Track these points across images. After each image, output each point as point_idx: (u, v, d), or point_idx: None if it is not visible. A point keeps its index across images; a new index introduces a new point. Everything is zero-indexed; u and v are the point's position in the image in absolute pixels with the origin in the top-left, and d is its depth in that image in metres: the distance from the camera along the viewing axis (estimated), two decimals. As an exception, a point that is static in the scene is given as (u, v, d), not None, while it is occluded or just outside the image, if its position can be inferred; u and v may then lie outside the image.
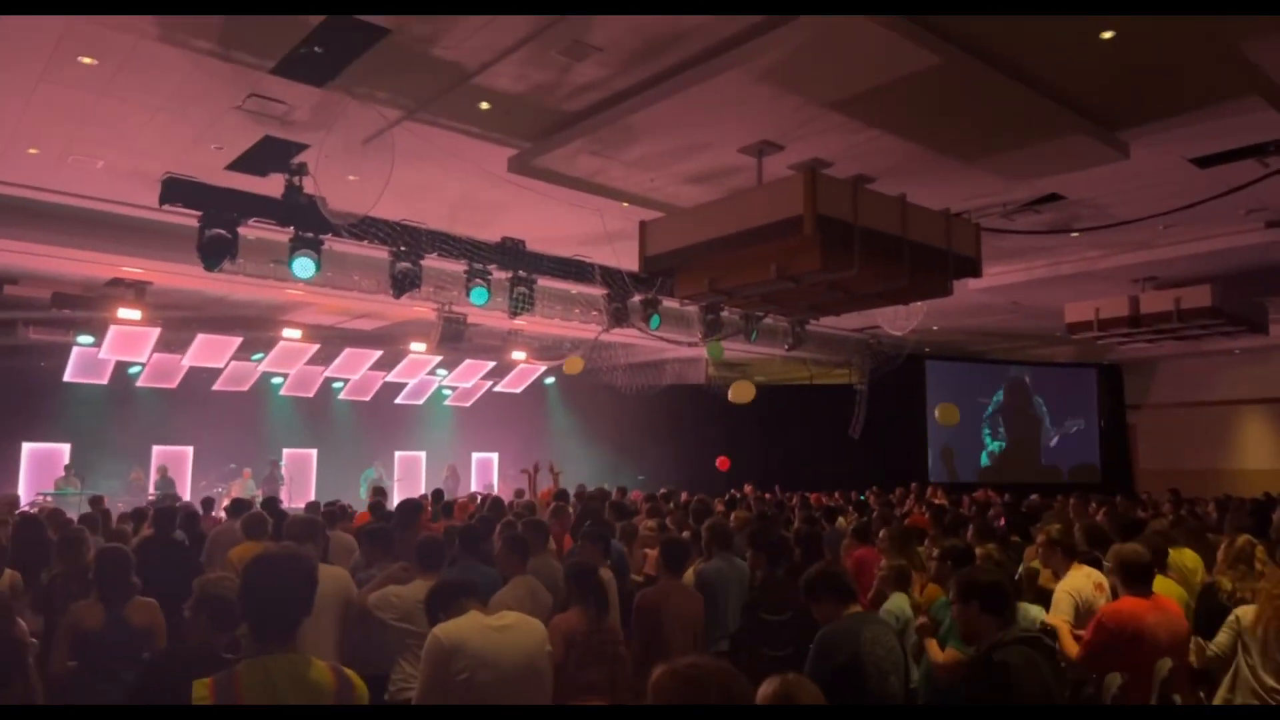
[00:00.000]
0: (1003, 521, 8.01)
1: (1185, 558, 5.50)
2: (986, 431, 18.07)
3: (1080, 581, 4.47)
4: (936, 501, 10.44)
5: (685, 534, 6.44)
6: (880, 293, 6.76)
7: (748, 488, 13.20)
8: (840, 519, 8.65)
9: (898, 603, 4.49)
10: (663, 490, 12.00)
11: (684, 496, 11.29)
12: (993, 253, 9.42)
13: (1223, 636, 3.87)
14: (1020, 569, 5.45)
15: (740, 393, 13.11)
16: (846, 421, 16.51)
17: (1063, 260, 10.81)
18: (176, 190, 7.78)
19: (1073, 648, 3.96)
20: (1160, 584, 4.39)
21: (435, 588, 3.39)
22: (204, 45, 5.59)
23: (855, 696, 3.35)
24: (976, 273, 6.77)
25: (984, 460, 17.94)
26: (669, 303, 10.97)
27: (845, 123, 6.47)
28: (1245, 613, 3.83)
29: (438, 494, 9.93)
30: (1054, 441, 18.25)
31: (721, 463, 15.50)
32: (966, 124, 6.46)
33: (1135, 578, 3.94)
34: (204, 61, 5.77)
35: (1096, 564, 4.71)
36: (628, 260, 8.58)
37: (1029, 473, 17.51)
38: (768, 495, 11.95)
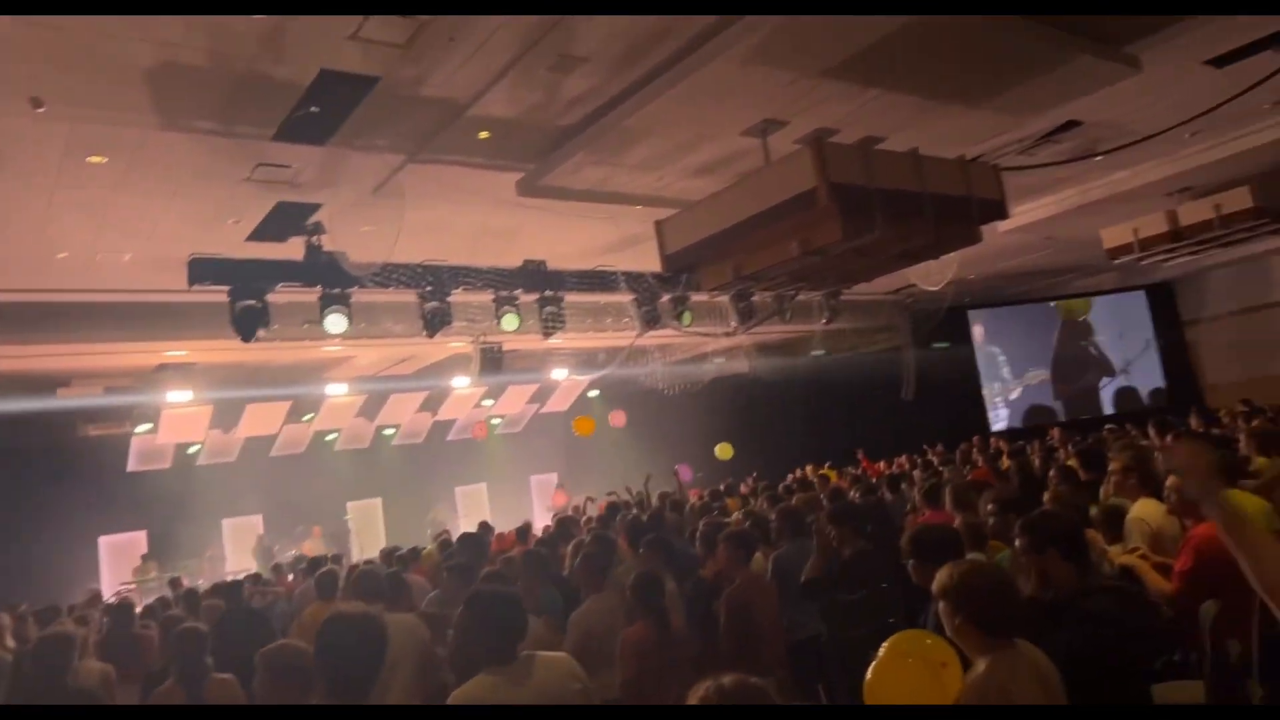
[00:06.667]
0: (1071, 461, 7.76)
1: (1260, 465, 5.21)
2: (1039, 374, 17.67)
3: (1150, 508, 4.21)
4: (1002, 451, 10.19)
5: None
6: (907, 252, 6.65)
7: (808, 469, 13.05)
8: (902, 485, 8.49)
9: (976, 563, 4.37)
10: (723, 485, 11.93)
11: (743, 488, 11.21)
12: (1018, 191, 9.21)
13: None
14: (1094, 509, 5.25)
15: (722, 452, 14.56)
16: (899, 386, 16.24)
17: (1091, 186, 10.52)
18: (202, 269, 7.90)
19: (1161, 582, 3.64)
20: (1241, 498, 4.17)
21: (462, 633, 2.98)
22: (206, 125, 5.71)
23: None
24: (1003, 214, 6.62)
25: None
26: (698, 297, 10.91)
27: (843, 88, 6.38)
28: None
29: (525, 527, 10.31)
30: (1116, 375, 17.74)
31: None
32: (965, 67, 6.32)
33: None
34: (208, 140, 5.90)
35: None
36: (650, 262, 8.52)
37: (1098, 409, 17.12)
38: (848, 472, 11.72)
